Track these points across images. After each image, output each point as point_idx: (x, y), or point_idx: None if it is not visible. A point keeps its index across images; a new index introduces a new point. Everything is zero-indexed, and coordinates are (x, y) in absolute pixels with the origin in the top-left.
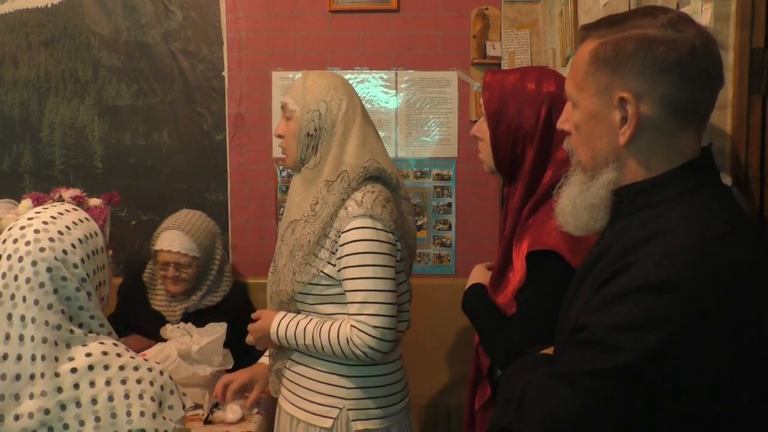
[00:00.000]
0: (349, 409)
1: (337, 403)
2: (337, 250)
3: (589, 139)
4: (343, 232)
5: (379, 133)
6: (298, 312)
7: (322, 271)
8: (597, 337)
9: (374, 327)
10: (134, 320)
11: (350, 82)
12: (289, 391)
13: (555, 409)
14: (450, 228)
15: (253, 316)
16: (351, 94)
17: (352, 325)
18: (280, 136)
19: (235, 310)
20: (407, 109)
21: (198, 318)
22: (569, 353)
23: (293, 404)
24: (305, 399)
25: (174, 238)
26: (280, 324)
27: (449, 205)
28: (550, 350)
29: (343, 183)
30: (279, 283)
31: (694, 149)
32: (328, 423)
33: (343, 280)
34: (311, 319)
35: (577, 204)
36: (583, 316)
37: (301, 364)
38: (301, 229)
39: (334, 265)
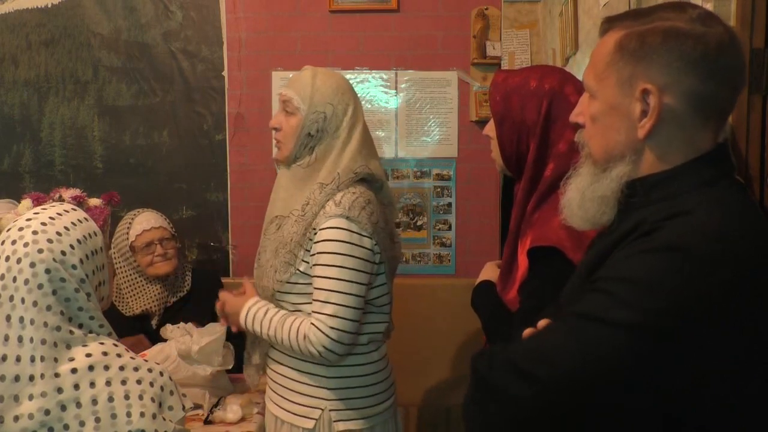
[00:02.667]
0: (331, 410)
1: (318, 403)
2: (311, 248)
3: (605, 131)
4: (319, 230)
5: (379, 134)
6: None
7: (298, 269)
8: (604, 287)
9: (330, 328)
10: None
11: (350, 82)
12: (273, 391)
13: (543, 341)
14: (450, 228)
15: (236, 292)
16: (355, 98)
17: (311, 323)
18: (276, 129)
19: (212, 298)
20: (407, 109)
21: (179, 311)
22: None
23: (277, 404)
24: (287, 399)
25: (149, 218)
26: (251, 309)
27: (449, 205)
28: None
29: (333, 185)
30: (262, 279)
31: (711, 146)
32: (310, 424)
33: (312, 276)
34: (279, 311)
35: (587, 195)
36: (596, 273)
37: (282, 364)
38: (289, 227)
39: (308, 262)
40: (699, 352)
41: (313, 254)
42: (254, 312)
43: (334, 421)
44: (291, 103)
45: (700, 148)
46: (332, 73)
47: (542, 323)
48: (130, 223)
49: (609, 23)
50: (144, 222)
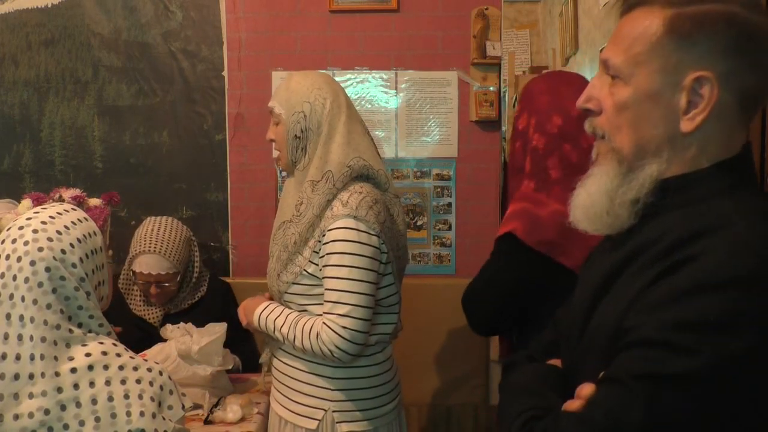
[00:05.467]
0: (334, 411)
1: (321, 404)
2: (320, 250)
3: (638, 122)
4: (326, 232)
5: (379, 134)
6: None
7: (305, 270)
8: (661, 337)
9: (343, 327)
10: (115, 325)
11: (350, 82)
12: (277, 390)
13: (610, 420)
14: (450, 228)
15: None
16: (336, 92)
17: (323, 323)
18: (273, 140)
19: (219, 306)
20: (407, 109)
21: (180, 318)
22: (622, 358)
23: (280, 404)
24: (291, 399)
25: (150, 262)
26: (267, 307)
27: (449, 205)
28: (556, 362)
29: (328, 183)
30: (270, 284)
31: (741, 145)
32: (313, 424)
33: (322, 278)
34: (294, 312)
35: (617, 200)
36: (634, 317)
37: (287, 363)
38: (289, 230)
39: (317, 264)
40: None
41: (322, 256)
42: (269, 311)
43: (338, 422)
44: (274, 111)
45: (733, 147)
46: (309, 73)
47: (586, 391)
48: (134, 254)
49: None
50: (144, 265)
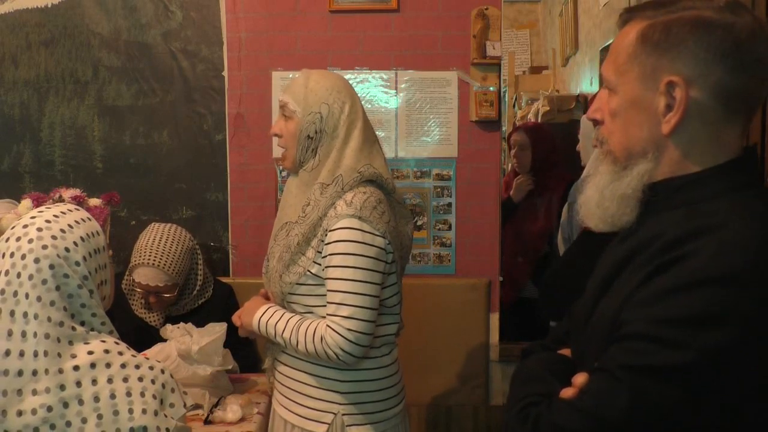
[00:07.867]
0: (344, 414)
1: (331, 408)
2: (322, 249)
3: (626, 126)
4: (329, 231)
5: (379, 134)
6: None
7: (309, 271)
8: (649, 331)
9: (348, 329)
10: (117, 325)
11: (350, 82)
12: (282, 395)
13: (597, 406)
14: (450, 228)
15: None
16: (353, 96)
17: (327, 325)
18: (277, 135)
19: (220, 310)
20: (407, 109)
21: (182, 320)
22: (612, 349)
23: (287, 408)
24: (298, 403)
25: (148, 274)
26: (266, 312)
27: (449, 205)
28: (566, 351)
29: (337, 187)
30: (270, 285)
31: (738, 145)
32: (323, 428)
33: (325, 279)
34: (294, 315)
35: (606, 194)
36: (626, 312)
37: (293, 367)
38: (293, 231)
39: (320, 265)
40: (757, 376)
41: (325, 256)
42: (269, 315)
43: (347, 426)
44: (287, 107)
45: (727, 148)
46: (327, 74)
47: (580, 379)
48: (134, 264)
49: (629, 14)
50: (142, 276)
